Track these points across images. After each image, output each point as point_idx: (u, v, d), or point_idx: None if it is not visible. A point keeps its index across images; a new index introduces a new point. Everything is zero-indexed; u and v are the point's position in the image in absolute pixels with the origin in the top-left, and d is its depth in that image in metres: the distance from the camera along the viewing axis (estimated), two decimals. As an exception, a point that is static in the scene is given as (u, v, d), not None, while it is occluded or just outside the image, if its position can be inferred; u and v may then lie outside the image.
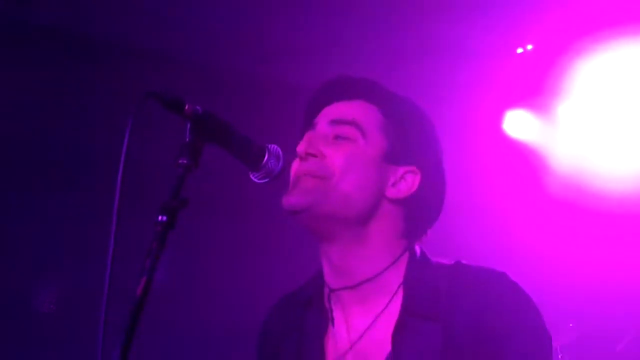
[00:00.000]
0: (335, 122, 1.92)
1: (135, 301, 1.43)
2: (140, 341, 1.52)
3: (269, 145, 1.77)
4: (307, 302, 1.97)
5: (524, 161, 5.73)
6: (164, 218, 1.48)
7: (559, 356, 4.61)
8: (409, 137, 1.92)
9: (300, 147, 1.87)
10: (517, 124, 5.73)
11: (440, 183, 1.96)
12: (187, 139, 1.59)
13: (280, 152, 1.78)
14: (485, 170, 5.62)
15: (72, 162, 4.91)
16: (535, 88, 5.52)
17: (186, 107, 1.58)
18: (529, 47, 5.35)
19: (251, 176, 1.79)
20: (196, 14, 4.73)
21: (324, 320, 1.92)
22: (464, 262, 1.90)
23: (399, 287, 1.85)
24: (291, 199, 1.83)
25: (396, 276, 1.87)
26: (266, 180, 1.78)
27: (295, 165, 1.87)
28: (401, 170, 1.90)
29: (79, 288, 4.30)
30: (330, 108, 1.97)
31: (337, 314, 1.91)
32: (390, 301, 1.85)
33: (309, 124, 1.97)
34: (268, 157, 1.75)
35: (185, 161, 1.56)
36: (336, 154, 1.86)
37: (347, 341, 1.87)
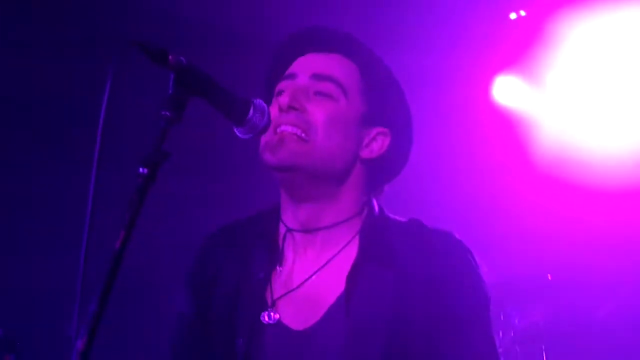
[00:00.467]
0: (317, 76, 1.91)
1: (113, 255, 1.40)
2: (120, 293, 1.50)
3: (254, 100, 1.74)
4: (257, 235, 1.98)
5: (511, 128, 5.71)
6: (145, 171, 1.45)
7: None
8: (384, 99, 1.97)
9: (284, 99, 1.87)
10: (506, 90, 5.70)
11: (407, 144, 2.03)
12: (171, 91, 1.55)
13: (266, 107, 1.75)
14: (473, 135, 5.59)
15: (56, 115, 4.84)
16: (526, 55, 5.48)
17: (170, 57, 1.53)
18: (522, 12, 5.30)
19: (235, 131, 1.76)
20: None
21: (273, 257, 1.94)
22: (417, 219, 1.99)
23: (355, 234, 1.92)
24: (279, 156, 1.84)
25: (355, 227, 1.93)
26: (250, 135, 1.75)
27: (275, 114, 1.86)
28: (374, 131, 1.95)
29: (58, 240, 4.25)
30: (307, 59, 1.97)
31: (288, 254, 1.94)
32: (345, 246, 1.91)
33: (282, 72, 1.96)
34: (253, 111, 1.72)
35: (168, 113, 1.52)
36: (319, 111, 1.87)
37: (297, 281, 1.90)
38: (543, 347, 4.57)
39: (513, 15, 5.31)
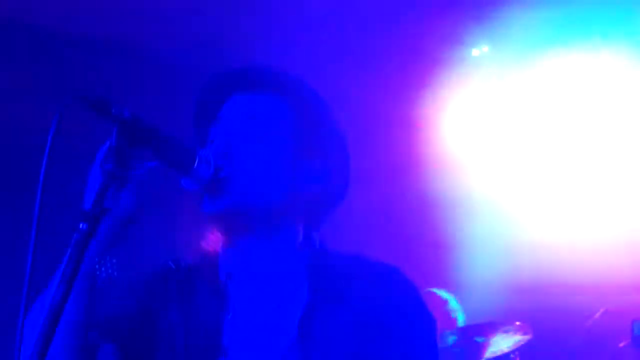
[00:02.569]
0: (242, 116, 1.91)
1: (52, 310, 1.39)
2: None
3: (200, 150, 1.74)
4: (201, 281, 1.94)
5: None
6: (85, 226, 1.44)
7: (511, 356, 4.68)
8: (317, 133, 1.96)
9: (211, 147, 1.85)
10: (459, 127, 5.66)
11: (345, 175, 2.03)
12: (113, 143, 1.55)
13: (212, 158, 1.75)
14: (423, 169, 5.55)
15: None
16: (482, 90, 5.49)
17: (113, 110, 1.54)
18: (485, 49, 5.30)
19: (182, 182, 1.76)
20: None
21: (221, 303, 1.89)
22: (360, 253, 1.99)
23: (302, 272, 1.90)
24: (214, 206, 1.82)
25: (299, 265, 1.91)
26: (196, 186, 1.76)
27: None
28: (308, 162, 1.93)
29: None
30: (235, 101, 1.95)
31: (235, 298, 1.89)
32: (294, 287, 1.88)
33: (212, 116, 1.95)
34: (199, 162, 1.72)
35: (109, 167, 1.52)
36: (249, 153, 1.86)
37: (247, 327, 1.86)
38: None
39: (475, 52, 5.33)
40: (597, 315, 5.05)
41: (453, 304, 4.68)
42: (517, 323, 4.54)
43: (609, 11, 4.75)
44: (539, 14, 4.74)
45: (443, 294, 4.68)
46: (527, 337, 4.56)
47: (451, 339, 4.44)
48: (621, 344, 4.82)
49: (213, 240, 1.95)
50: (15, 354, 1.40)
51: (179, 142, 1.70)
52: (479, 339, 4.49)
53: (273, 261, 1.90)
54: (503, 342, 4.57)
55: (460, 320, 4.66)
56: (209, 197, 1.83)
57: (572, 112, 5.31)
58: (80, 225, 1.44)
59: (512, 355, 4.67)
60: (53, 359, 1.42)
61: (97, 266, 1.71)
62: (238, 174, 1.83)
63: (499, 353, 4.60)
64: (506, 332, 4.54)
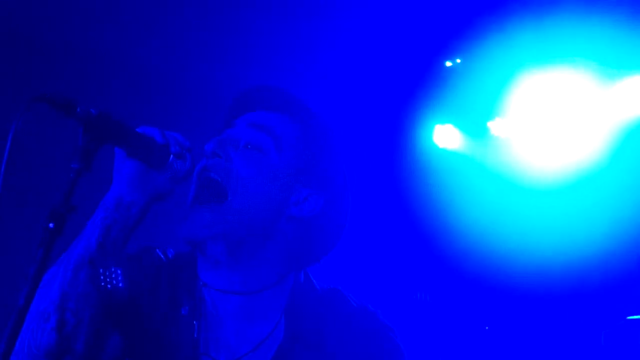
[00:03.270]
0: (252, 125, 1.89)
1: (18, 310, 1.37)
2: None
3: (174, 147, 1.73)
4: (180, 273, 1.88)
5: (454, 171, 5.75)
6: (52, 225, 1.43)
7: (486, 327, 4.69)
8: (321, 160, 1.91)
9: (209, 146, 1.84)
10: (447, 136, 5.76)
11: (342, 210, 1.96)
12: (80, 142, 1.55)
13: (188, 154, 1.74)
14: (416, 180, 5.63)
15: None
16: (464, 102, 5.55)
17: (78, 109, 1.53)
18: (458, 60, 5.38)
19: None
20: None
21: (195, 304, 1.84)
22: (343, 291, 1.94)
23: (280, 308, 1.85)
24: (189, 231, 1.79)
25: (278, 298, 1.85)
26: (174, 181, 1.75)
27: (202, 162, 1.84)
28: (306, 190, 1.88)
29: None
30: (252, 113, 1.94)
31: (209, 310, 1.84)
32: (272, 326, 1.83)
33: (230, 122, 1.94)
34: (173, 157, 1.72)
35: (76, 165, 1.51)
36: (243, 162, 1.84)
37: (218, 346, 1.82)
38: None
39: (448, 63, 5.39)
40: None
41: None
42: None
43: (578, 33, 4.86)
44: (513, 32, 4.82)
45: None
46: None
47: None
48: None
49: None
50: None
51: (150, 137, 1.69)
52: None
53: (251, 289, 1.84)
54: None
55: None
56: (184, 221, 1.79)
57: (541, 125, 5.44)
58: (48, 224, 1.43)
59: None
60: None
61: (102, 277, 1.68)
62: (230, 179, 1.81)
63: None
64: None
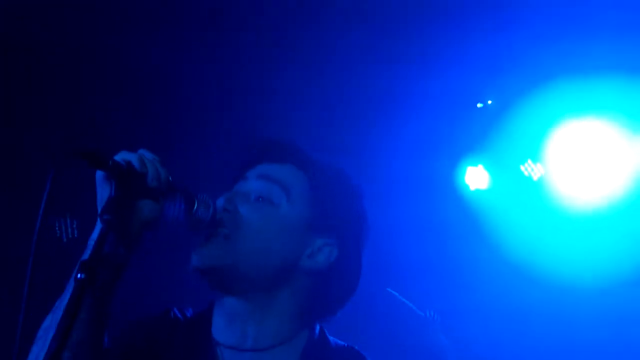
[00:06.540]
0: (263, 177, 1.91)
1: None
2: None
3: (197, 194, 1.76)
4: (194, 332, 1.88)
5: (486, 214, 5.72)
6: (82, 276, 1.45)
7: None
8: (333, 210, 1.91)
9: (219, 201, 1.86)
10: (477, 178, 5.73)
11: (356, 261, 1.95)
12: (112, 194, 1.57)
13: (210, 201, 1.77)
14: (448, 223, 5.60)
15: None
16: (496, 143, 5.54)
17: (110, 163, 1.56)
18: (489, 102, 5.39)
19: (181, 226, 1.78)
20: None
21: None
22: (359, 350, 1.91)
23: None
24: (198, 260, 1.82)
25: (290, 356, 1.84)
26: (195, 230, 1.77)
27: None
28: (321, 240, 1.88)
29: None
30: (260, 166, 1.96)
31: None
32: None
33: (241, 175, 1.97)
34: (197, 205, 1.74)
35: (108, 217, 1.54)
36: (252, 214, 1.85)
37: None
38: None
39: (480, 105, 5.40)
40: None
41: None
42: None
43: (609, 84, 4.89)
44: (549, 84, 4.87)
45: None
46: None
47: None
48: None
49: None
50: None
51: (177, 186, 1.72)
52: None
53: (263, 345, 1.83)
54: None
55: None
56: (196, 250, 1.82)
57: (569, 170, 5.43)
58: (78, 275, 1.45)
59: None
60: None
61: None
62: (239, 233, 1.82)
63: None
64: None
